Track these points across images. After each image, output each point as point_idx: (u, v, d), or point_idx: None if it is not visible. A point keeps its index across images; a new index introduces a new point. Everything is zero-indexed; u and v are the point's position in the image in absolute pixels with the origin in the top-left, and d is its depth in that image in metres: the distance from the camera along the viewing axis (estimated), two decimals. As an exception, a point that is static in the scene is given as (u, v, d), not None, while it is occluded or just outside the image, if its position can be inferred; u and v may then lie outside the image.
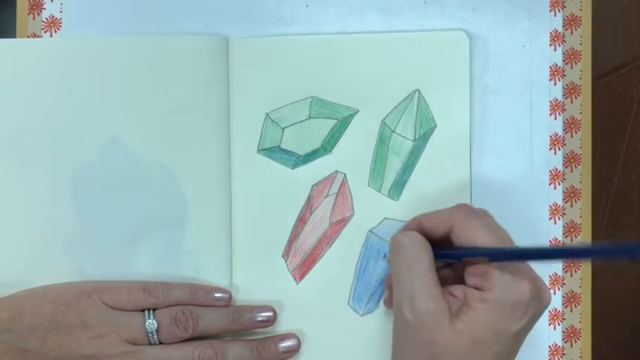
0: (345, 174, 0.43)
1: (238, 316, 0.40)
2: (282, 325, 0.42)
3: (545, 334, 0.44)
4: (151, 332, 0.38)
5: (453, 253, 0.36)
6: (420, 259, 0.35)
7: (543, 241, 0.44)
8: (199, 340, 0.39)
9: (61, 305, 0.38)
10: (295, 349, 0.41)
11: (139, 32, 0.43)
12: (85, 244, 0.41)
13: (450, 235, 0.36)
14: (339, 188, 0.43)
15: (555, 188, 0.44)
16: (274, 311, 0.41)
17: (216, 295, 0.40)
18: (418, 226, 0.38)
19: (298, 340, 0.41)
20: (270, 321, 0.41)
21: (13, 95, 0.42)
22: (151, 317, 0.38)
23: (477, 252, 0.34)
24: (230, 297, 0.41)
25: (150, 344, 0.38)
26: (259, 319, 0.41)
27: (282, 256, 0.43)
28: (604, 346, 0.46)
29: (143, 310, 0.39)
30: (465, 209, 0.37)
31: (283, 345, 0.41)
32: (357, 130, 0.43)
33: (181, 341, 0.39)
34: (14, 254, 0.40)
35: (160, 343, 0.38)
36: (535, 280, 0.34)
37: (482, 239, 0.34)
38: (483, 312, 0.33)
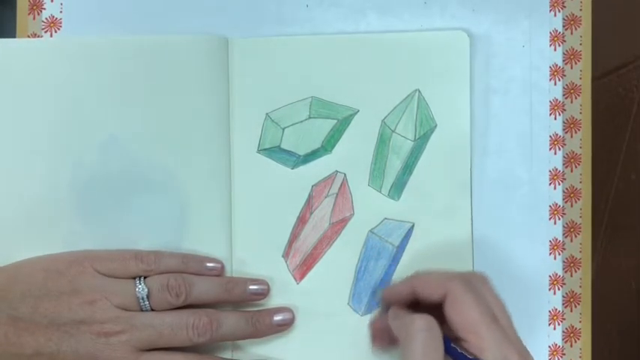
0: (345, 174, 0.43)
1: (232, 287, 0.40)
2: (282, 325, 0.42)
3: (545, 334, 0.44)
4: (142, 298, 0.38)
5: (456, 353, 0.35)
6: (437, 348, 0.34)
7: (543, 240, 0.44)
8: (195, 308, 0.39)
9: (52, 273, 0.38)
10: (289, 323, 0.41)
11: (139, 32, 0.43)
12: (85, 244, 0.41)
13: (442, 303, 0.36)
14: (339, 188, 0.43)
15: (555, 188, 0.44)
16: (268, 285, 0.42)
17: (209, 264, 0.41)
18: (410, 289, 0.38)
19: (293, 313, 0.42)
20: (264, 294, 0.41)
21: (13, 95, 0.42)
22: (142, 283, 0.38)
23: None
24: (222, 267, 0.41)
25: (142, 311, 0.38)
26: (252, 290, 0.41)
27: (282, 256, 0.43)
28: (604, 346, 0.46)
29: (135, 278, 0.39)
30: (461, 280, 0.36)
31: (278, 318, 0.41)
32: (357, 130, 0.43)
33: (176, 309, 0.38)
34: (14, 254, 0.40)
35: (153, 311, 0.38)
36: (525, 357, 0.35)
37: (474, 316, 0.35)
38: None
